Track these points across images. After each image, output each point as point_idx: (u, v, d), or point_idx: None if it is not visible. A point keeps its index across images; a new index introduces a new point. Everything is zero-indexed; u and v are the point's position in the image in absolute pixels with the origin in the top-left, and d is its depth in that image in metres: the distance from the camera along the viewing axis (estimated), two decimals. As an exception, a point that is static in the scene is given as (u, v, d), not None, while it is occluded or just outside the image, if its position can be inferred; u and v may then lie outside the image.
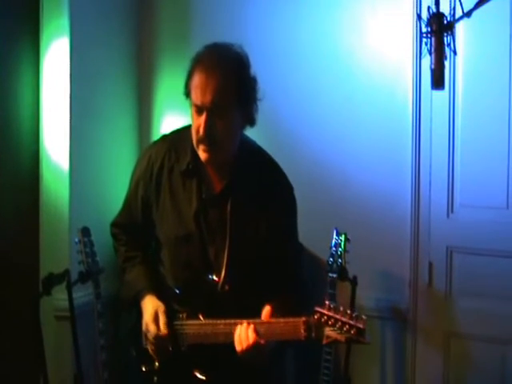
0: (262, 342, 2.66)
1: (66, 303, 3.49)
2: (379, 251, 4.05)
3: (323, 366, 3.87)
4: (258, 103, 2.85)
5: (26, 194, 4.02)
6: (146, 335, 2.93)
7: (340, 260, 3.74)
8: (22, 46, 4.01)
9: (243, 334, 2.68)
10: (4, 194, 3.89)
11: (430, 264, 3.94)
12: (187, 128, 2.89)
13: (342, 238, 3.76)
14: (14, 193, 3.96)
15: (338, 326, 2.47)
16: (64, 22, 3.98)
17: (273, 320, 2.67)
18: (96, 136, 4.26)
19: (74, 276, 3.54)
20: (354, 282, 3.77)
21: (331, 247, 3.77)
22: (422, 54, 2.77)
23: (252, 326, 2.68)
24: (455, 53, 2.76)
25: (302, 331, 2.57)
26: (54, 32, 4.00)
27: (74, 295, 3.51)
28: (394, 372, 4.13)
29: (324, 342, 2.53)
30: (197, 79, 2.72)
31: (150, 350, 2.94)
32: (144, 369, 3.02)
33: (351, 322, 2.45)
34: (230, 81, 2.71)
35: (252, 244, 2.87)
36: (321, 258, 3.87)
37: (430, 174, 3.90)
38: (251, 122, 2.86)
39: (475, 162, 3.81)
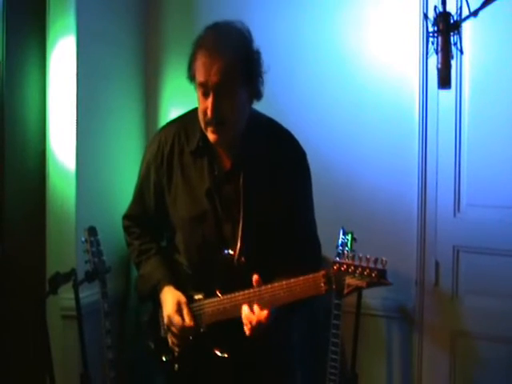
0: (264, 315, 2.66)
1: (73, 302, 3.49)
2: (386, 250, 3.97)
3: (330, 364, 3.88)
4: (263, 78, 2.83)
5: (32, 193, 4.03)
6: (168, 328, 2.92)
7: (346, 259, 3.74)
8: (29, 44, 4.01)
9: (248, 319, 2.69)
10: (11, 194, 3.90)
11: (437, 263, 3.95)
12: (195, 110, 2.87)
13: (349, 237, 3.77)
14: (21, 192, 3.97)
15: (358, 272, 2.46)
16: (70, 21, 3.98)
17: (292, 280, 2.64)
18: (102, 135, 4.26)
19: (81, 275, 3.55)
20: (360, 281, 3.77)
21: (338, 246, 3.78)
22: (429, 54, 2.75)
23: (255, 303, 2.69)
24: (462, 52, 2.74)
25: (323, 284, 2.56)
26: (60, 30, 4.01)
27: (81, 294, 3.51)
28: (400, 370, 4.13)
29: (345, 291, 2.50)
30: (201, 61, 2.71)
31: (171, 342, 2.94)
32: (164, 359, 3.00)
33: (371, 265, 2.44)
34: (234, 59, 2.70)
35: (266, 213, 2.86)
36: (327, 257, 3.87)
37: (437, 173, 3.90)
38: (258, 96, 2.84)
39: (482, 161, 3.81)
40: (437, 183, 3.91)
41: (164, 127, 3.16)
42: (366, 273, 2.45)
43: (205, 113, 2.74)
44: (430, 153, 3.92)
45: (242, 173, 2.86)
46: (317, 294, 2.61)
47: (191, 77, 2.78)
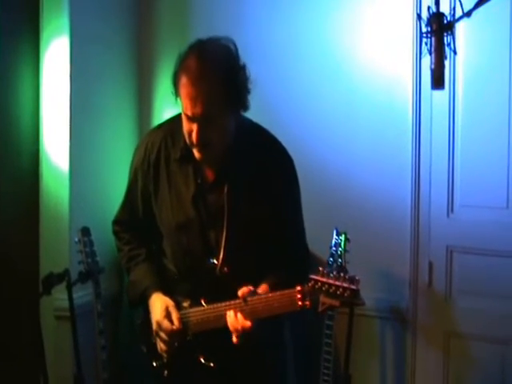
0: (249, 324, 2.66)
1: (66, 303, 3.48)
2: (379, 251, 4.06)
3: (323, 365, 3.88)
4: (250, 89, 2.78)
5: (26, 194, 4.03)
6: (156, 333, 2.91)
7: (340, 260, 3.74)
8: (22, 45, 4.01)
9: (234, 324, 2.69)
10: (4, 194, 3.89)
11: (430, 264, 3.94)
12: (181, 115, 2.82)
13: (342, 237, 3.76)
14: (14, 193, 3.96)
15: (332, 290, 2.45)
16: (64, 21, 3.98)
17: (269, 294, 2.66)
18: (96, 136, 4.26)
19: (74, 276, 3.54)
20: (353, 281, 3.77)
21: (331, 247, 3.77)
22: (422, 54, 2.76)
23: (239, 312, 2.68)
24: (455, 52, 2.74)
25: (298, 301, 2.57)
26: (53, 31, 4.01)
27: (74, 295, 3.50)
28: (394, 371, 4.13)
29: (320, 309, 2.51)
30: (185, 90, 2.67)
31: (159, 348, 2.93)
32: (155, 364, 3.00)
33: (345, 284, 2.43)
34: (218, 87, 2.66)
35: (251, 224, 2.85)
36: (321, 258, 3.87)
37: (430, 173, 3.90)
38: (245, 108, 2.81)
39: (475, 161, 3.81)
40: (430, 184, 3.91)
41: (151, 132, 3.16)
42: (339, 292, 2.45)
43: (189, 135, 2.73)
44: (424, 153, 3.92)
45: (227, 183, 2.85)
46: (293, 310, 2.61)
47: (176, 94, 2.75)
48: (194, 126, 2.69)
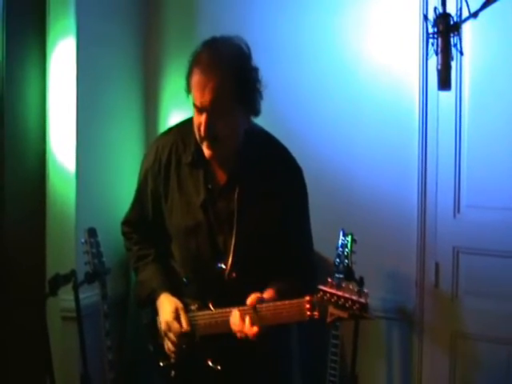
0: (256, 329, 2.65)
1: (73, 304, 3.49)
2: (386, 252, 4.05)
3: (330, 365, 3.87)
4: (262, 94, 2.80)
5: (32, 195, 4.03)
6: (165, 333, 2.92)
7: (346, 261, 3.73)
8: (29, 46, 4.01)
9: (240, 327, 2.69)
10: (11, 195, 3.89)
11: (437, 264, 3.94)
12: (192, 119, 2.84)
13: (349, 238, 3.76)
14: (21, 194, 3.97)
15: (340, 302, 2.46)
16: (70, 22, 3.98)
17: (278, 302, 2.65)
18: (102, 136, 4.26)
19: (81, 276, 3.55)
20: (360, 282, 3.76)
21: (338, 248, 3.77)
22: (429, 55, 2.75)
23: (247, 316, 2.68)
24: (462, 53, 2.74)
25: (306, 311, 2.56)
26: (60, 32, 4.01)
27: (81, 296, 3.51)
28: (400, 372, 4.13)
29: (328, 320, 2.50)
30: (195, 79, 2.69)
31: (167, 348, 2.94)
32: (162, 364, 3.01)
33: (354, 297, 2.43)
34: (228, 80, 2.67)
35: (260, 231, 2.86)
36: (327, 259, 3.87)
37: (437, 174, 3.90)
38: (255, 113, 2.82)
39: (482, 162, 3.81)
40: (437, 184, 3.91)
41: (162, 135, 3.17)
42: (347, 304, 2.45)
43: (199, 129, 2.74)
44: (430, 154, 3.92)
45: (238, 188, 2.86)
46: (301, 319, 2.60)
47: (188, 91, 2.76)
48: (203, 118, 2.70)
